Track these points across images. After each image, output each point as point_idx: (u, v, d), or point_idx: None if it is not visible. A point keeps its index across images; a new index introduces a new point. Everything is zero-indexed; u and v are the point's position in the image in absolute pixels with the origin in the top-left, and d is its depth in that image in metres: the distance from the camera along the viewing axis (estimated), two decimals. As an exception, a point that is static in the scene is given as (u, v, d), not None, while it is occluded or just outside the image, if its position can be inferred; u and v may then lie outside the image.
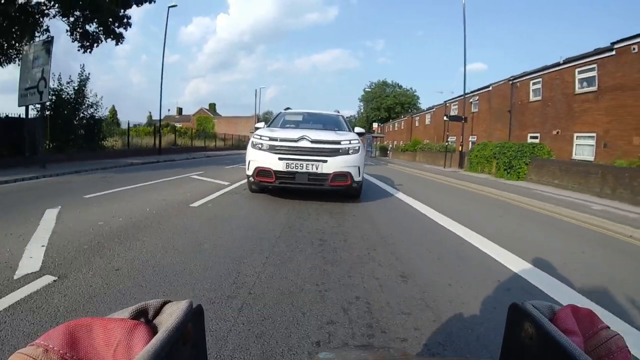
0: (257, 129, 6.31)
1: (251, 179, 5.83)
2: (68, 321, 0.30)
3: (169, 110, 63.50)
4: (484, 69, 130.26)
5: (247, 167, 5.90)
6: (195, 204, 5.40)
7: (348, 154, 5.57)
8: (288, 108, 8.19)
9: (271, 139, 5.65)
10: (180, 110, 67.53)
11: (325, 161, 5.40)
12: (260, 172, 5.54)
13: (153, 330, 0.31)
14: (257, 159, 5.60)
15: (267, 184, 5.71)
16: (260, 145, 5.67)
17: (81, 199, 5.55)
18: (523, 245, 4.09)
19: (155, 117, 58.79)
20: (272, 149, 5.54)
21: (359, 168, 5.68)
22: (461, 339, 1.95)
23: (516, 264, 3.34)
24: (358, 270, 2.89)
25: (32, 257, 2.89)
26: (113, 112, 17.86)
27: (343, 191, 5.94)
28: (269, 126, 6.86)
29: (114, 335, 0.29)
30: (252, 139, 5.92)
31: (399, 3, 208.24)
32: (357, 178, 5.67)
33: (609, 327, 0.38)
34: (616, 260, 4.02)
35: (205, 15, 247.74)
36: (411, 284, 2.68)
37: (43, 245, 3.19)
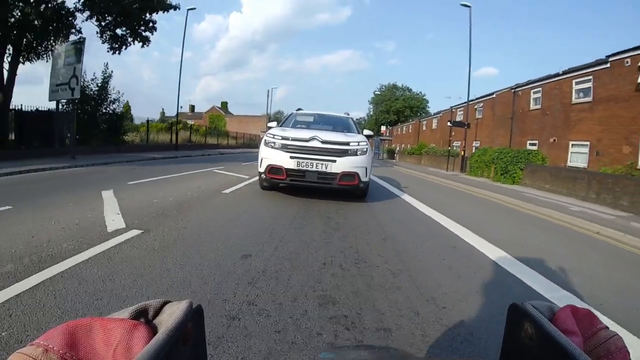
0: (269, 128, 6.55)
1: (263, 175, 6.00)
2: (67, 321, 0.30)
3: (181, 107, 64.50)
4: (495, 74, 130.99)
5: (259, 164, 6.09)
6: (227, 191, 6.51)
7: (356, 155, 5.77)
8: (299, 109, 8.38)
9: (283, 138, 5.85)
10: (192, 107, 69.00)
11: (334, 161, 5.60)
12: (272, 169, 5.75)
13: (153, 331, 0.32)
14: (269, 156, 5.80)
15: (278, 181, 5.97)
16: (272, 144, 5.86)
17: (127, 185, 6.63)
18: (484, 227, 5.17)
19: (168, 113, 60.32)
20: (284, 148, 5.74)
21: (366, 169, 5.89)
22: (412, 268, 3.04)
23: (470, 237, 4.45)
24: (353, 234, 4.04)
25: (114, 220, 3.94)
26: (127, 107, 18.87)
27: (350, 190, 6.18)
28: (280, 126, 7.02)
29: (114, 335, 0.30)
30: (264, 138, 6.10)
31: (411, 5, 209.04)
32: (364, 178, 5.86)
33: (607, 328, 0.38)
34: (566, 243, 5.00)
35: (218, 13, 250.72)
36: (388, 242, 3.84)
37: (118, 213, 4.25)
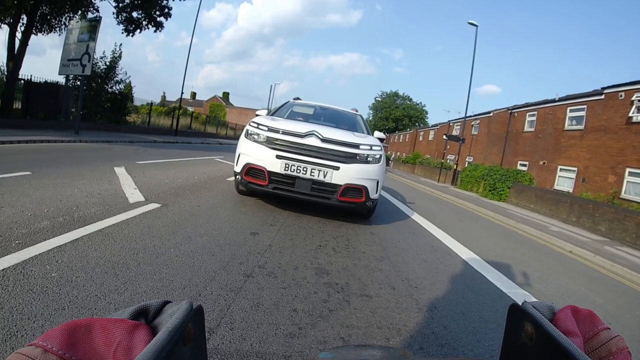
0: (257, 116, 5.22)
1: (239, 177, 4.64)
2: (67, 321, 0.30)
3: (182, 93, 64.91)
4: (497, 92, 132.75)
5: (235, 161, 4.75)
6: (229, 179, 6.91)
7: (367, 162, 4.49)
8: (298, 98, 7.01)
9: (271, 129, 4.50)
10: (194, 94, 69.10)
11: (337, 168, 4.29)
12: (251, 170, 4.42)
13: (153, 331, 0.32)
14: (248, 152, 4.48)
15: (257, 187, 4.47)
16: (255, 136, 4.54)
17: (136, 164, 7.03)
18: (463, 235, 5.71)
19: (169, 98, 60.62)
20: (269, 143, 4.41)
21: (377, 183, 4.59)
22: (393, 257, 3.51)
23: (448, 240, 5.00)
24: (344, 225, 4.57)
25: (133, 194, 4.37)
26: (129, 87, 19.09)
27: (351, 209, 4.82)
28: (272, 115, 5.73)
29: (114, 336, 0.30)
30: (247, 127, 4.80)
31: (422, 16, 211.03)
32: (373, 195, 4.53)
33: (609, 328, 0.38)
34: (537, 256, 5.52)
35: (229, 2, 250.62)
36: (375, 235, 4.38)
37: (135, 188, 4.67)
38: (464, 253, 4.36)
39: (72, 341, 0.29)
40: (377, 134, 5.71)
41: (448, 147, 26.21)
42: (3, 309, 1.62)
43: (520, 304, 0.42)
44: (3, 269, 2.01)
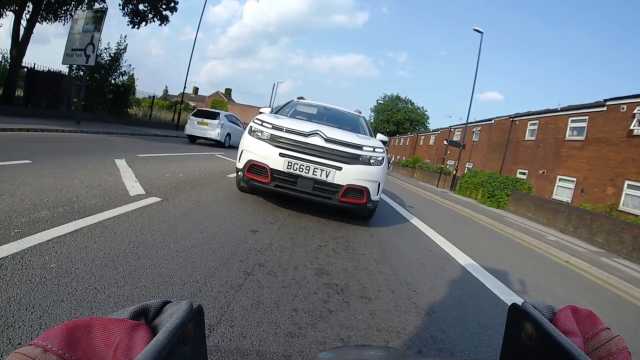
0: (261, 113, 5.19)
1: (240, 174, 4.63)
2: (66, 321, 0.30)
3: (185, 87, 64.76)
4: (500, 99, 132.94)
5: (238, 157, 4.74)
6: (230, 176, 6.90)
7: (369, 164, 4.49)
8: (302, 97, 7.07)
9: (275, 127, 4.50)
10: (196, 89, 69.08)
11: (340, 168, 4.28)
12: (253, 167, 4.41)
13: (153, 331, 0.32)
14: (251, 149, 4.47)
15: (259, 185, 4.44)
16: (259, 134, 4.53)
17: (136, 156, 7.01)
18: (461, 240, 5.73)
19: (171, 92, 60.53)
20: (273, 141, 4.40)
21: (379, 185, 4.59)
22: (392, 260, 3.51)
23: (446, 245, 5.01)
24: (344, 227, 4.57)
25: (133, 186, 4.36)
26: (131, 79, 19.04)
27: (352, 210, 4.78)
28: (275, 113, 5.74)
29: (114, 335, 0.30)
30: (250, 124, 4.79)
31: (429, 21, 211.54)
32: (374, 197, 4.54)
33: (609, 328, 0.38)
34: (533, 264, 5.53)
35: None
36: (375, 238, 4.39)
37: (135, 181, 4.66)
38: (462, 259, 4.37)
39: (72, 341, 0.29)
40: (379, 136, 5.68)
41: (448, 152, 26.25)
42: (1, 299, 1.61)
43: (520, 304, 0.42)
44: (1, 258, 1.99)
